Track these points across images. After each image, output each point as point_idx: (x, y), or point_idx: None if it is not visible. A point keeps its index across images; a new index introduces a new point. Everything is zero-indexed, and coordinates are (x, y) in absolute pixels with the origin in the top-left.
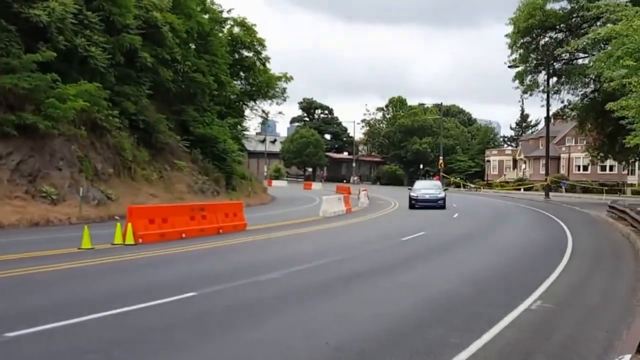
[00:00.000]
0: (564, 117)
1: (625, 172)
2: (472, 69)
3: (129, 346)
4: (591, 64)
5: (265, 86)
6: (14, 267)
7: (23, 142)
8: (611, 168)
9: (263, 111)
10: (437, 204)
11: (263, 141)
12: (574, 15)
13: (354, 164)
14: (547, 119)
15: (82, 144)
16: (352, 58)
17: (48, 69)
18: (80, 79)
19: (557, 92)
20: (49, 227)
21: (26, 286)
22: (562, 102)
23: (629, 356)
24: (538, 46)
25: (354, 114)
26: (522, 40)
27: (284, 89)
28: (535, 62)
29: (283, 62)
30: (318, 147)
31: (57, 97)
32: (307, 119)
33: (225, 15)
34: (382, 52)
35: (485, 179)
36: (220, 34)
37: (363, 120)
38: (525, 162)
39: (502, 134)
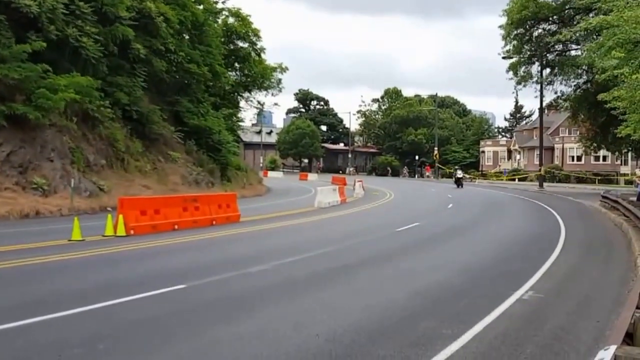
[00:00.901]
0: (558, 108)
1: (619, 162)
2: (459, 61)
3: (115, 339)
4: (583, 55)
5: (260, 77)
6: (0, 260)
7: (13, 133)
8: (604, 158)
9: (258, 102)
10: None
11: (259, 132)
12: (567, 7)
13: (349, 155)
14: (541, 109)
15: (74, 135)
16: (339, 49)
17: (39, 59)
18: (72, 69)
19: (551, 83)
20: (40, 219)
21: (13, 279)
22: (556, 93)
23: (614, 347)
24: (531, 37)
25: (350, 105)
26: (515, 32)
27: (279, 80)
28: (528, 53)
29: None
30: (314, 138)
31: (48, 87)
32: (303, 110)
33: (220, 5)
34: (368, 44)
35: (480, 169)
36: (215, 25)
37: (359, 112)
38: (519, 153)
39: (497, 125)
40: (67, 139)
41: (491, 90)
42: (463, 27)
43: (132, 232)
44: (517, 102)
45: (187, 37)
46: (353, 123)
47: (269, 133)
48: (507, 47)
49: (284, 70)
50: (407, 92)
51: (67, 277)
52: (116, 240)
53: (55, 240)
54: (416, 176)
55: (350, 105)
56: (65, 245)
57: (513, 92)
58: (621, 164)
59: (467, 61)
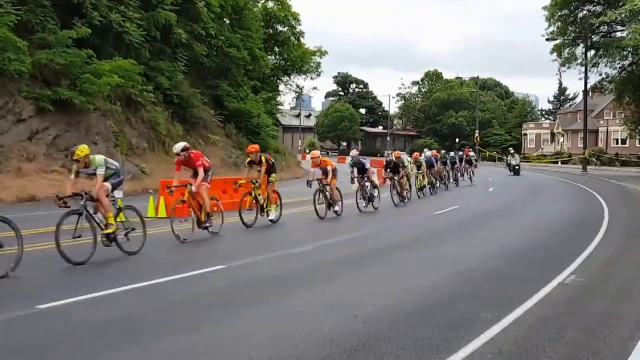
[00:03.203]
0: (603, 90)
1: None
2: (485, 41)
3: (158, 317)
4: (629, 36)
5: (300, 61)
6: (47, 240)
7: (59, 117)
8: None
9: (297, 86)
10: None
11: (298, 116)
12: None
13: (388, 138)
14: (585, 92)
15: (118, 119)
16: (354, 30)
17: (83, 44)
18: (116, 54)
19: (596, 65)
20: None
21: (58, 259)
22: (600, 75)
23: None
24: (576, 19)
25: (389, 88)
26: (560, 13)
27: (319, 64)
28: (573, 35)
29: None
30: (353, 122)
31: (92, 72)
32: (342, 93)
33: None
34: (382, 25)
35: (522, 152)
36: (255, 9)
37: (398, 95)
38: (563, 136)
39: (540, 108)
40: (111, 123)
41: (521, 71)
42: (481, 7)
43: (172, 214)
44: (561, 84)
45: (227, 21)
46: (392, 106)
47: (308, 116)
48: (552, 29)
49: (323, 54)
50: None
51: (111, 258)
52: (157, 222)
53: None
54: None
55: (391, 88)
56: None
57: (557, 74)
58: None
59: (492, 42)
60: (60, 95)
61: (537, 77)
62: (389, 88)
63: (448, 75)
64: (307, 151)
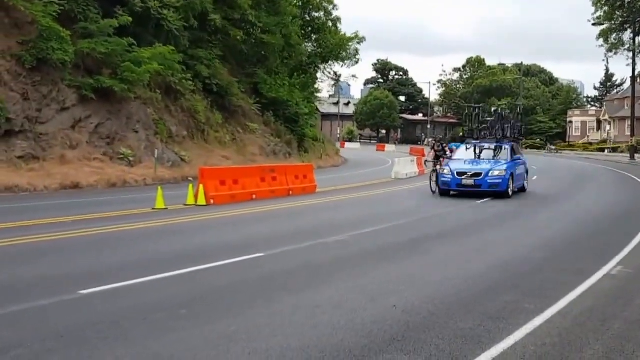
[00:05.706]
0: None
1: None
2: (502, 25)
3: (197, 304)
4: None
5: (337, 47)
6: (91, 227)
7: (101, 105)
8: None
9: (335, 73)
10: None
11: (336, 103)
12: None
13: (429, 126)
14: (633, 78)
15: (158, 107)
16: (366, 14)
17: (124, 32)
18: (155, 42)
19: None
20: (126, 188)
21: (101, 245)
22: None
23: None
24: (624, 3)
25: (430, 75)
26: None
27: (357, 50)
28: (620, 19)
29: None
30: (392, 109)
31: (132, 60)
32: (381, 80)
33: None
34: (394, 9)
35: (567, 140)
36: None
37: (439, 81)
38: (609, 123)
39: (585, 94)
40: (151, 111)
41: (566, 57)
42: None
43: (212, 201)
44: (607, 70)
45: (263, 6)
46: (433, 93)
47: (347, 104)
48: (598, 14)
49: (360, 39)
50: (452, 57)
51: (151, 244)
52: (197, 209)
53: (140, 208)
54: None
55: (432, 75)
56: (149, 213)
57: (603, 60)
58: None
59: (508, 25)
60: (101, 84)
61: (583, 62)
62: (430, 74)
63: (490, 61)
64: (345, 138)
